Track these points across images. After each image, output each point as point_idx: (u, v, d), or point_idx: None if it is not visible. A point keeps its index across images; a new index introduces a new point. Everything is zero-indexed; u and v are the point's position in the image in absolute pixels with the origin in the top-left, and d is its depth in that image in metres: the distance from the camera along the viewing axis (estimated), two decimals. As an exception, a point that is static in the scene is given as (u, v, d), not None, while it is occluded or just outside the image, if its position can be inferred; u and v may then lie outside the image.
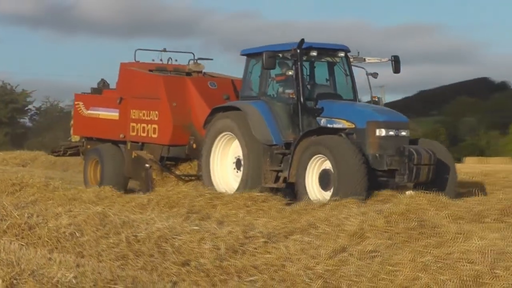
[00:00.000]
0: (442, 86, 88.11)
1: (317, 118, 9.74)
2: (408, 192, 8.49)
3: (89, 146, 12.26)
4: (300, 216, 7.68)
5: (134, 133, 11.12)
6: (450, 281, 4.25)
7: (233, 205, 8.84)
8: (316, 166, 9.15)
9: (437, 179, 9.21)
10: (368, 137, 9.21)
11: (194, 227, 6.22)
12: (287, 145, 9.68)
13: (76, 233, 6.03)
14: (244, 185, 9.61)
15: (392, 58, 10.49)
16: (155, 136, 10.71)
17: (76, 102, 12.69)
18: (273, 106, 10.09)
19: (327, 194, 8.82)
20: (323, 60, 10.51)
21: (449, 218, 7.11)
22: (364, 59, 10.72)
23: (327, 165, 8.94)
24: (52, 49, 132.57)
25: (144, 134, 10.88)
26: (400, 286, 4.39)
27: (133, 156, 11.08)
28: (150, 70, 11.71)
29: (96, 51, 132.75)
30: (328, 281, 4.61)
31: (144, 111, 10.85)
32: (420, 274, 4.40)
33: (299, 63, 9.65)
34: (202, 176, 10.38)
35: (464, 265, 4.51)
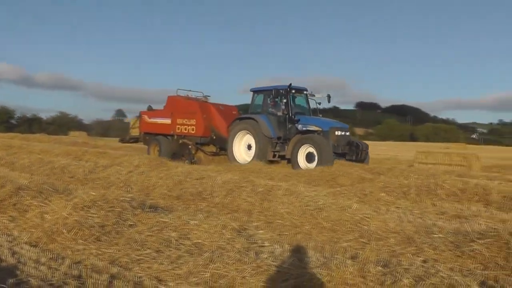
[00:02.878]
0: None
1: (295, 124, 14.75)
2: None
3: (147, 138, 19.10)
4: (117, 159, 13.42)
5: (179, 130, 17.61)
6: (168, 181, 9.20)
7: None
8: (304, 150, 13.96)
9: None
10: (331, 135, 14.05)
11: (76, 163, 11.92)
12: (278, 138, 14.95)
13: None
14: (256, 157, 14.71)
15: (328, 95, 16.27)
16: (193, 132, 17.12)
17: (142, 115, 19.45)
18: (269, 117, 15.25)
19: (311, 165, 13.50)
20: (296, 94, 15.83)
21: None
22: (314, 94, 16.33)
23: (311, 149, 13.70)
24: None
25: (186, 131, 17.38)
26: (149, 184, 9.34)
27: (180, 142, 17.56)
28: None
29: None
30: (126, 183, 9.76)
31: (186, 119, 17.37)
32: (159, 181, 9.38)
33: (289, 96, 15.13)
34: (227, 152, 16.07)
35: (175, 177, 9.47)
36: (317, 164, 13.16)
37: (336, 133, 14.30)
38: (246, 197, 7.81)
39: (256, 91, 16.48)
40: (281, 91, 15.10)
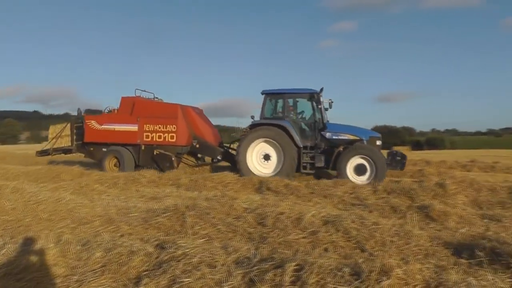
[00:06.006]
0: None
1: (322, 132, 12.83)
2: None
3: (92, 149, 14.75)
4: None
5: (148, 139, 13.97)
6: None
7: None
8: (353, 161, 11.95)
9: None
10: (371, 145, 12.38)
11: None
12: (305, 147, 12.71)
13: None
14: (286, 169, 12.39)
15: (330, 99, 13.26)
16: (173, 140, 13.75)
17: (87, 121, 14.65)
18: (292, 123, 12.90)
19: (361, 178, 11.81)
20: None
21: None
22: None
23: (362, 161, 11.91)
24: None
25: (160, 139, 13.86)
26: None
27: (155, 153, 13.94)
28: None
29: None
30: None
31: (160, 125, 13.83)
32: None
33: (322, 100, 12.80)
34: (238, 164, 12.86)
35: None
36: (373, 178, 11.72)
37: (377, 143, 12.79)
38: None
39: (270, 94, 13.47)
40: (316, 95, 12.94)
